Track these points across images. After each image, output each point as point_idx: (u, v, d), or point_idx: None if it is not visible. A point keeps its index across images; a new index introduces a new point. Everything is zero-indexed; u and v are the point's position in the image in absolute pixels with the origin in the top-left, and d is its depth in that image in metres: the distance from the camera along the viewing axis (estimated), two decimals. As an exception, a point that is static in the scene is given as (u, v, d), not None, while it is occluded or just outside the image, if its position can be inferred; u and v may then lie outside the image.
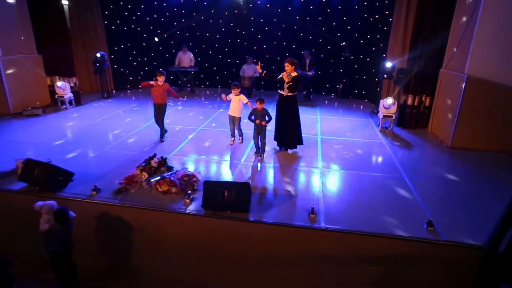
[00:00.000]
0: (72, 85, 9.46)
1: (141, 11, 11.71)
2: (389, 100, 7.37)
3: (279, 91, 6.08)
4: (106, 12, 11.00)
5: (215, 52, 12.28)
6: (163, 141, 6.76)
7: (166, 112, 6.75)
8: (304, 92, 10.81)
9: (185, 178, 4.76)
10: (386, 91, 8.98)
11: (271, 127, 6.19)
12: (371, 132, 7.71)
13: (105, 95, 10.65)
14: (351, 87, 11.26)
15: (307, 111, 9.58)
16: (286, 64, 5.84)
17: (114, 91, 11.55)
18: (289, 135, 6.23)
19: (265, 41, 11.85)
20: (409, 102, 7.71)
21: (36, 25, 8.89)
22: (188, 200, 4.40)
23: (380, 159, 6.15)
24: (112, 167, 5.45)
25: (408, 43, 8.71)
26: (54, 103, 9.17)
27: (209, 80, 12.71)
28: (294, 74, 5.85)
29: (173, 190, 4.58)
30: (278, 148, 6.43)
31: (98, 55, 10.05)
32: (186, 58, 11.34)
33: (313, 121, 8.51)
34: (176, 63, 11.37)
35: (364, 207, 4.41)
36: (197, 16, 11.87)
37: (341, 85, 11.28)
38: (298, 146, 6.31)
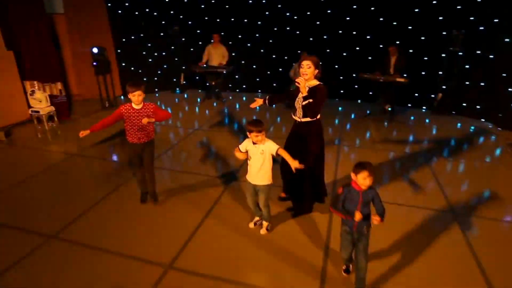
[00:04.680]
0: (56, 93, 6.75)
1: (158, -11, 8.75)
2: None
3: (292, 115, 3.61)
4: (111, -9, 8.16)
5: (255, 44, 9.04)
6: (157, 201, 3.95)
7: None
8: (388, 108, 7.31)
9: None
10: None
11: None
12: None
13: (107, 104, 7.87)
14: (456, 97, 7.57)
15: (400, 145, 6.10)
16: (307, 64, 3.31)
17: (122, 97, 8.79)
18: (304, 185, 3.64)
19: (327, 30, 8.39)
20: None
21: (3, 9, 6.20)
22: None
23: None
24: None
25: None
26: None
27: (246, 82, 9.53)
28: (314, 82, 3.38)
29: None
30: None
31: (95, 50, 7.27)
32: (217, 54, 8.24)
33: (426, 178, 5.06)
34: (204, 60, 8.31)
35: None
36: (232, -4, 8.71)
37: (440, 94, 7.62)
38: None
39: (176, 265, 2.96)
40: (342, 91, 8.73)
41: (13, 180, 4.43)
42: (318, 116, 3.45)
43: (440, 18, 7.36)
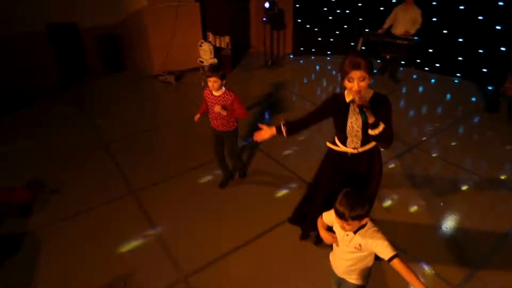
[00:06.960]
0: (224, 46, 7.10)
1: None
2: None
3: (337, 146, 2.36)
4: None
5: (467, 8, 6.27)
6: (245, 176, 3.93)
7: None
8: None
9: None
10: None
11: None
12: None
13: (269, 62, 7.73)
14: None
15: None
16: (360, 75, 1.90)
17: (292, 56, 8.43)
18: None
19: None
20: None
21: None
22: None
23: None
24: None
25: None
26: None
27: (442, 60, 6.97)
28: (369, 93, 2.09)
29: None
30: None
31: (267, 5, 6.97)
32: (406, 19, 6.25)
33: None
34: (386, 24, 6.55)
35: None
36: None
37: None
38: None
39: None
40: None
41: (152, 125, 5.12)
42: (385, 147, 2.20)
43: None
